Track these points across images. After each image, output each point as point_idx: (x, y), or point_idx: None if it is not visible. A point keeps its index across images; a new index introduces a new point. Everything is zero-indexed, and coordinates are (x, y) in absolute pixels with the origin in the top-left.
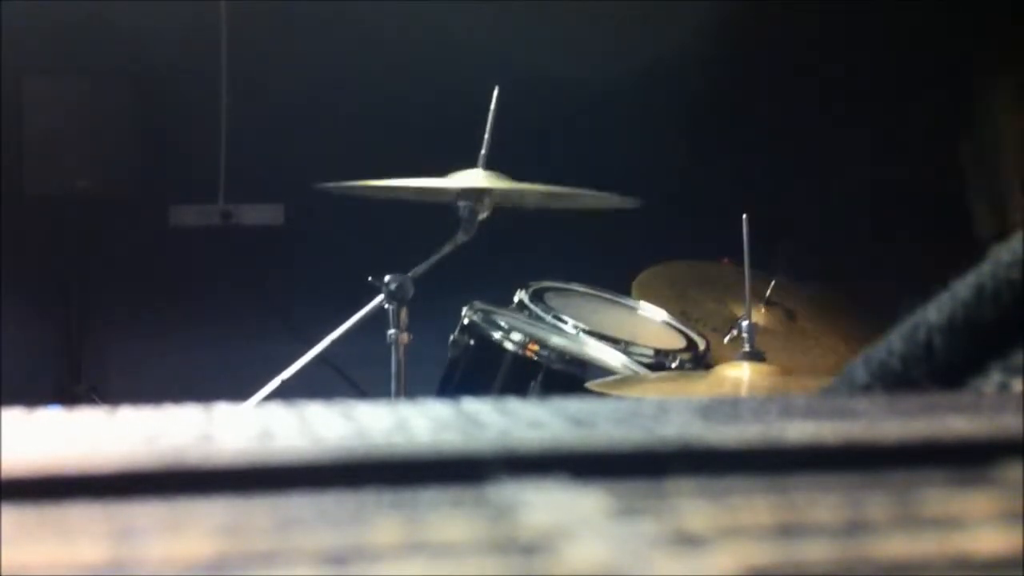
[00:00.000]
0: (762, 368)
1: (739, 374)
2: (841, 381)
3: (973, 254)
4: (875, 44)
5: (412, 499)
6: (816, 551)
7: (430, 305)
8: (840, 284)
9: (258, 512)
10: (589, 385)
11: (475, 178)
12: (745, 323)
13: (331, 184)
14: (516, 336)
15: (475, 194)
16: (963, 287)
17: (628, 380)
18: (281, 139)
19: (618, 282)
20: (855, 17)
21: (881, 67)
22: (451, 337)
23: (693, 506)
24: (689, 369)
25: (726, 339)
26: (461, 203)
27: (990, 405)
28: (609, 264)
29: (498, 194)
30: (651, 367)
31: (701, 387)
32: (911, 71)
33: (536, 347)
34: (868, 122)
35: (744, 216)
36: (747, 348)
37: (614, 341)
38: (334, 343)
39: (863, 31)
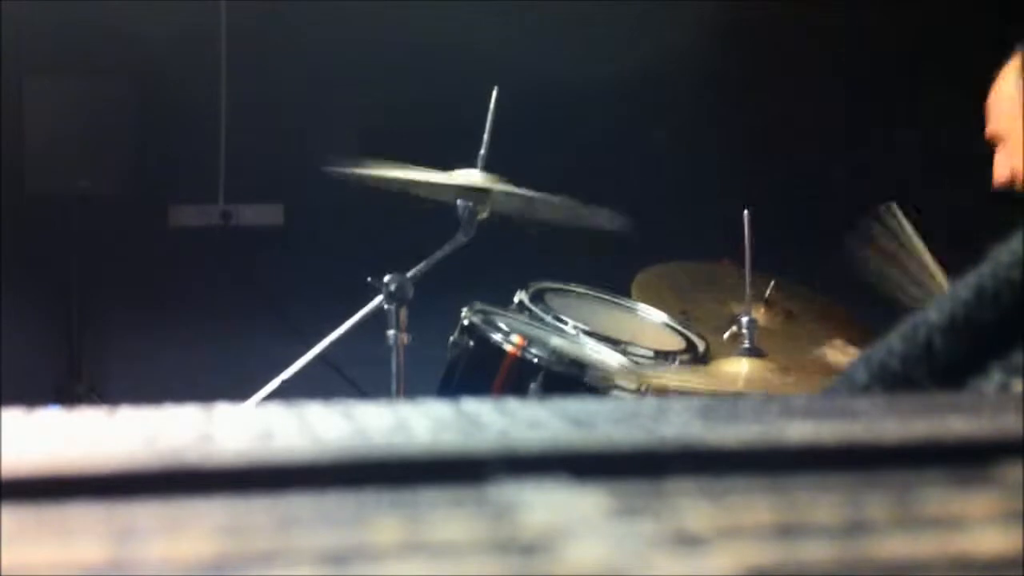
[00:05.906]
0: (762, 364)
1: (738, 370)
2: (841, 381)
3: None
4: (876, 40)
5: (412, 499)
6: (816, 551)
7: (430, 306)
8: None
9: (258, 512)
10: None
11: (473, 179)
12: (745, 319)
13: (335, 170)
14: (515, 338)
15: (473, 194)
16: (963, 287)
17: (630, 372)
18: (281, 139)
19: (618, 282)
20: (853, 14)
21: (882, 64)
22: (451, 338)
23: (693, 506)
24: None
25: (725, 336)
26: (460, 203)
27: (990, 405)
28: (609, 264)
29: (495, 196)
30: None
31: (700, 383)
32: (911, 69)
33: (523, 342)
34: (869, 120)
35: (745, 212)
36: (747, 344)
37: (614, 342)
38: (334, 343)
39: (862, 27)
